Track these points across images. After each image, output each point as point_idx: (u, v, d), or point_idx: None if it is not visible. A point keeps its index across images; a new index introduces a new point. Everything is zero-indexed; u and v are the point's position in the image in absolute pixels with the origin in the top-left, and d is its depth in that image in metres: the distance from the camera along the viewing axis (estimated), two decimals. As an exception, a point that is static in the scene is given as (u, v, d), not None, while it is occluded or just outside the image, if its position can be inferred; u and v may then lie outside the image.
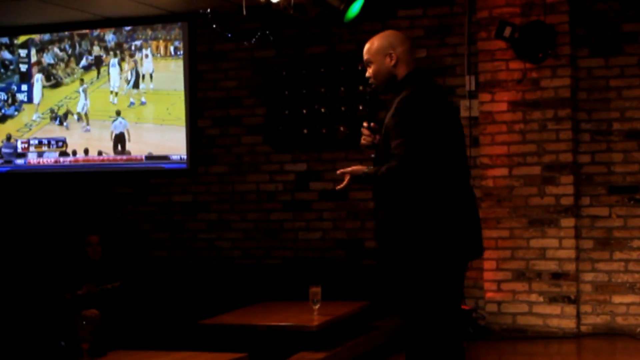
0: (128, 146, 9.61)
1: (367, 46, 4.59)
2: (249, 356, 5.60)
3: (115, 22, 9.61)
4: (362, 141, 4.63)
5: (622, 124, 8.07)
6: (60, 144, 9.87)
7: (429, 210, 4.32)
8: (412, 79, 4.49)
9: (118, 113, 9.65)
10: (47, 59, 9.92)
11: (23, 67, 10.02)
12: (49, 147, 9.91)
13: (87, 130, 9.77)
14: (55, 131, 9.88)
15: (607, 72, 8.13)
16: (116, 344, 5.95)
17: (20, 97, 10.03)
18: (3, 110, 10.06)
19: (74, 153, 9.80)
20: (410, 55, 4.54)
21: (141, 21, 9.54)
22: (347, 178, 4.56)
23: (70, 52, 9.85)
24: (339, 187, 4.61)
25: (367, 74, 4.60)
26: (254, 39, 8.67)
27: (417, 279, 4.38)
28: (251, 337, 6.37)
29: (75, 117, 9.82)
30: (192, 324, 6.59)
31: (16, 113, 10.05)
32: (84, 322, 5.44)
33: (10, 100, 10.04)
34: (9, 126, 10.07)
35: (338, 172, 4.61)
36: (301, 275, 8.28)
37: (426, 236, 4.32)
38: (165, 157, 9.49)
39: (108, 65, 9.71)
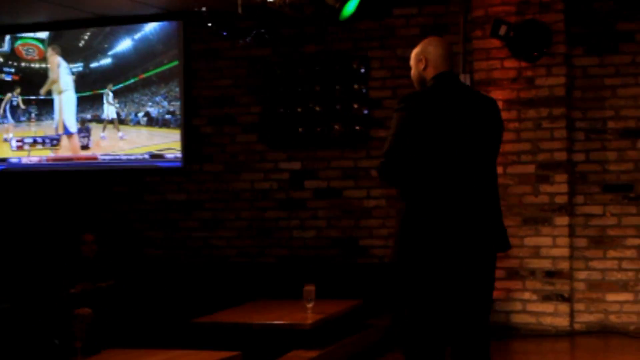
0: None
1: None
2: (242, 354, 5.60)
3: (110, 21, 9.60)
4: None
5: (616, 122, 8.08)
6: (55, 142, 9.86)
7: (416, 208, 4.40)
8: (434, 81, 4.59)
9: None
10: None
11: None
12: (43, 145, 9.90)
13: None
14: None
15: (602, 71, 8.13)
16: (110, 343, 5.95)
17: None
18: None
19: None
20: (441, 59, 4.61)
21: (137, 19, 9.52)
22: None
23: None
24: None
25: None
26: (249, 38, 8.68)
27: (404, 276, 4.46)
28: (245, 335, 6.37)
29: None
30: (186, 322, 6.59)
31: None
32: (78, 321, 5.45)
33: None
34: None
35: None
36: (295, 273, 8.31)
37: (410, 233, 4.40)
38: (160, 156, 9.49)
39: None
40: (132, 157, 9.54)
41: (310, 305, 6.56)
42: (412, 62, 4.70)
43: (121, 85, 9.66)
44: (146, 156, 9.49)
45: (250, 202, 9.25)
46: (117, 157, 9.60)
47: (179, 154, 9.39)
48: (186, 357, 5.52)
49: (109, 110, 9.70)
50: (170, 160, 9.43)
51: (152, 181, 9.59)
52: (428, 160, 4.37)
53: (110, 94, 9.69)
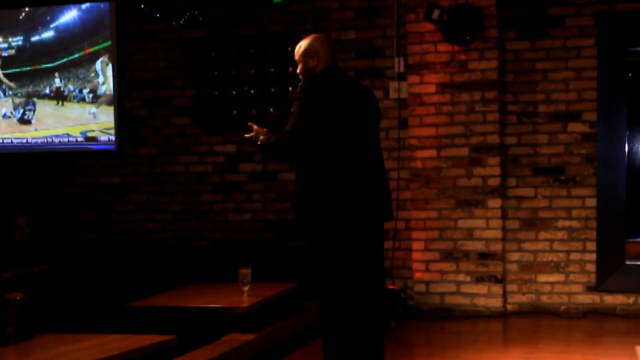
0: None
1: (296, 48, 5.42)
2: (178, 338, 5.59)
3: (40, 2, 9.43)
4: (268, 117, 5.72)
5: (547, 106, 8.19)
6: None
7: (315, 181, 5.16)
8: (324, 74, 5.29)
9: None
10: None
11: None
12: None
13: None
14: None
15: (533, 55, 8.23)
16: (43, 328, 5.89)
17: None
18: None
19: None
20: (329, 55, 5.35)
21: (68, 0, 9.37)
22: (254, 133, 5.62)
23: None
24: (247, 135, 5.72)
25: (297, 71, 5.48)
26: (182, 20, 8.61)
27: (313, 246, 5.21)
28: (181, 319, 6.35)
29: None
30: (120, 307, 6.55)
31: None
32: (10, 306, 5.39)
33: None
34: None
35: (250, 123, 5.72)
36: (231, 256, 8.31)
37: (313, 203, 5.15)
38: (94, 138, 9.38)
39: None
40: (65, 140, 9.42)
41: (246, 288, 6.57)
42: (300, 58, 5.36)
43: (64, 60, 9.48)
44: (80, 138, 9.38)
45: (185, 185, 9.21)
46: (49, 139, 9.46)
47: (112, 137, 9.30)
48: (120, 341, 5.47)
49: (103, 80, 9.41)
50: (103, 143, 9.33)
51: (85, 164, 9.49)
52: (327, 140, 5.12)
53: (110, 65, 9.37)
